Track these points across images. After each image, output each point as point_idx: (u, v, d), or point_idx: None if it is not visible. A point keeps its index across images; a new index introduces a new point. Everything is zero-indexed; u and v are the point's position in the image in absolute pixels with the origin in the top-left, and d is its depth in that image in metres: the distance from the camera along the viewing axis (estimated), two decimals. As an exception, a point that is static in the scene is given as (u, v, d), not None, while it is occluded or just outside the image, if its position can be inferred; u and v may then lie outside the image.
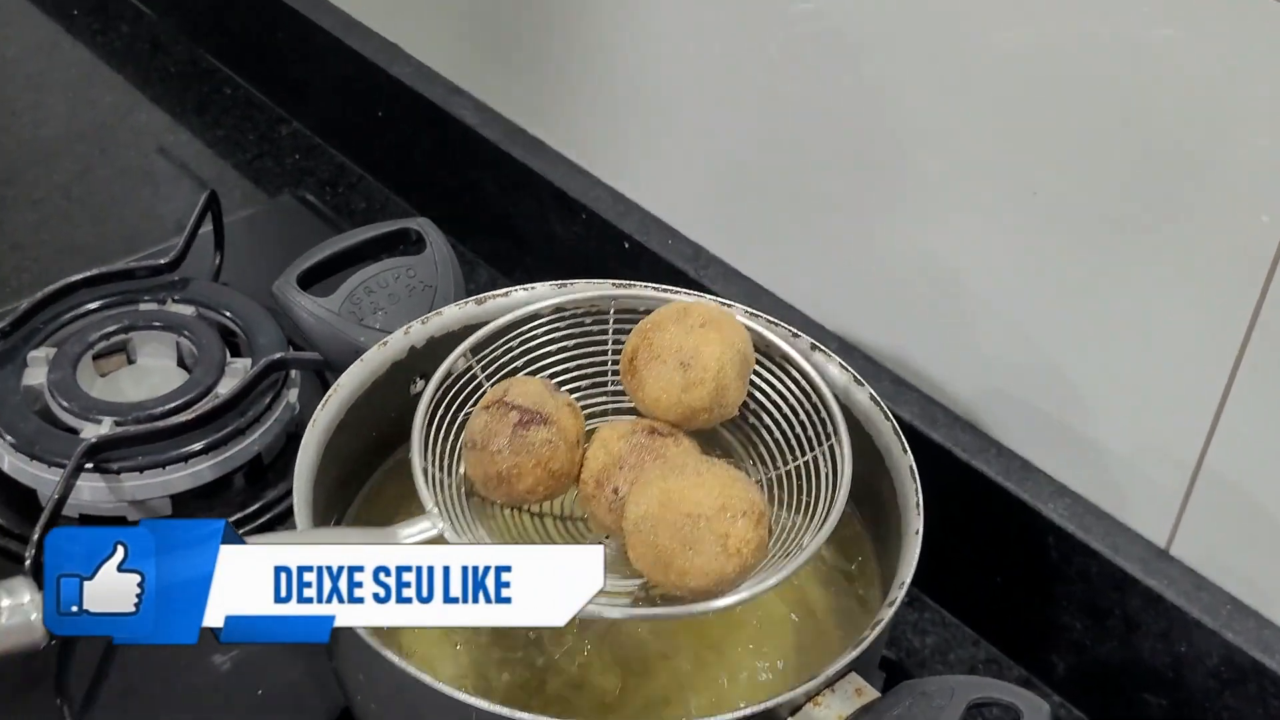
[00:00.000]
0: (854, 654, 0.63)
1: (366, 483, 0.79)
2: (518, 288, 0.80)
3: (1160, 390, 0.76)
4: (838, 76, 0.83)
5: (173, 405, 0.90)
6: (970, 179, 0.79)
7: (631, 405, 0.74)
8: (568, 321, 0.78)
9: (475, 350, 0.75)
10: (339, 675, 0.70)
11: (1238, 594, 0.76)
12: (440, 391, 0.72)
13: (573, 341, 0.77)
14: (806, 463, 0.73)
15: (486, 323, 0.79)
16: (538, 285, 0.80)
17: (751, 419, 0.76)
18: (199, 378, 0.92)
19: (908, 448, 0.72)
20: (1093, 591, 0.80)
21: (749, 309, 0.79)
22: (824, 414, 0.73)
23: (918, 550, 0.67)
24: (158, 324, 0.96)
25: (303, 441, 0.71)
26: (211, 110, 1.29)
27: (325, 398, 0.73)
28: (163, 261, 1.00)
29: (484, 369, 0.75)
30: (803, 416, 0.74)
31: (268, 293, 0.87)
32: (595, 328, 0.78)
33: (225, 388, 0.92)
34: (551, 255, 1.05)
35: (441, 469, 0.71)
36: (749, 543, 0.64)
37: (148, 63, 1.34)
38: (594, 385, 0.78)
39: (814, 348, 0.77)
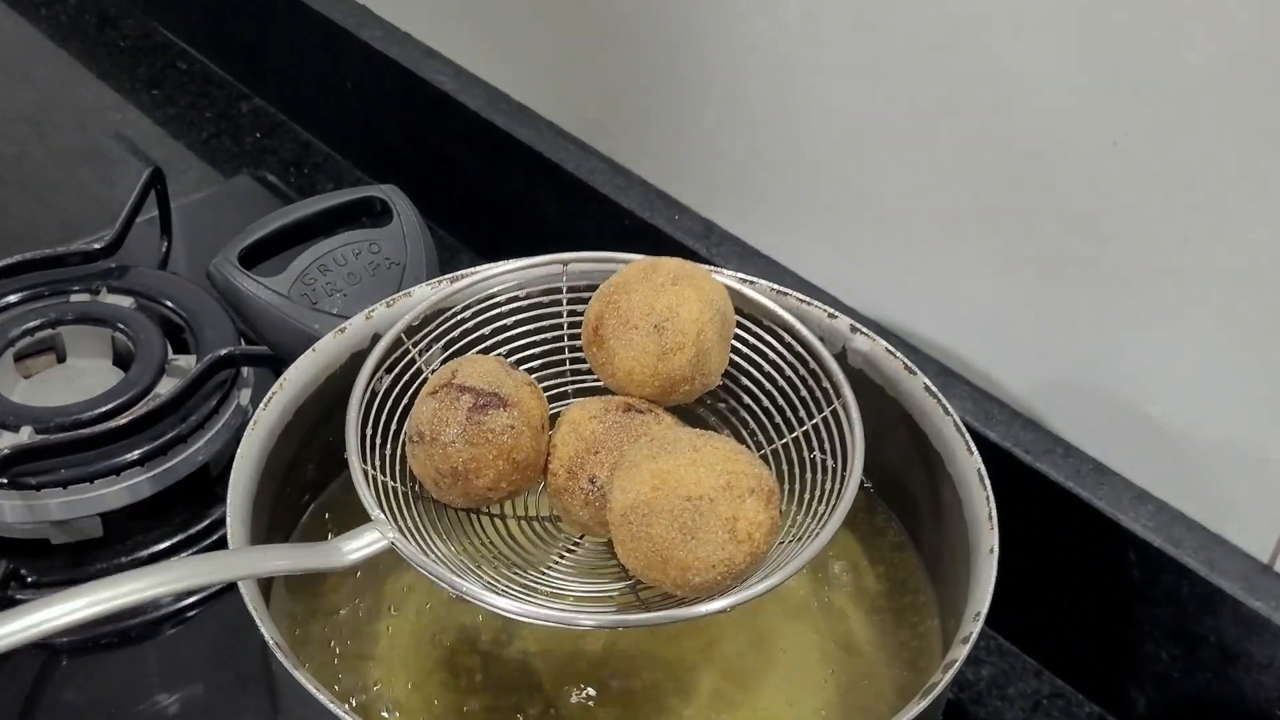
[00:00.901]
0: (922, 705, 0.51)
1: (318, 498, 0.66)
2: (501, 264, 0.68)
3: (1258, 374, 0.64)
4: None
5: (103, 410, 0.78)
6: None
7: (597, 383, 0.63)
8: (515, 293, 0.67)
9: (411, 333, 0.64)
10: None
11: (1360, 617, 0.65)
12: (376, 379, 0.61)
13: (522, 315, 0.67)
14: (805, 433, 0.62)
15: (465, 305, 0.68)
16: (525, 261, 0.68)
17: (735, 390, 0.65)
18: (135, 377, 0.81)
19: (974, 448, 0.60)
20: (1183, 615, 0.69)
21: (776, 286, 0.68)
22: (821, 376, 0.62)
23: (994, 573, 0.56)
24: (90, 317, 0.85)
25: (239, 450, 0.59)
26: (164, 87, 1.18)
27: (268, 395, 0.61)
28: (96, 246, 0.88)
29: (422, 353, 0.64)
30: (795, 382, 0.63)
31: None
32: (546, 298, 0.67)
33: (166, 389, 0.80)
34: (541, 236, 0.93)
35: (386, 471, 0.59)
36: (760, 526, 0.54)
37: (95, 37, 1.24)
38: (549, 365, 0.67)
39: (854, 329, 0.66)
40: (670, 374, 0.60)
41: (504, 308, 0.66)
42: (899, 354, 0.65)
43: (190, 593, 0.50)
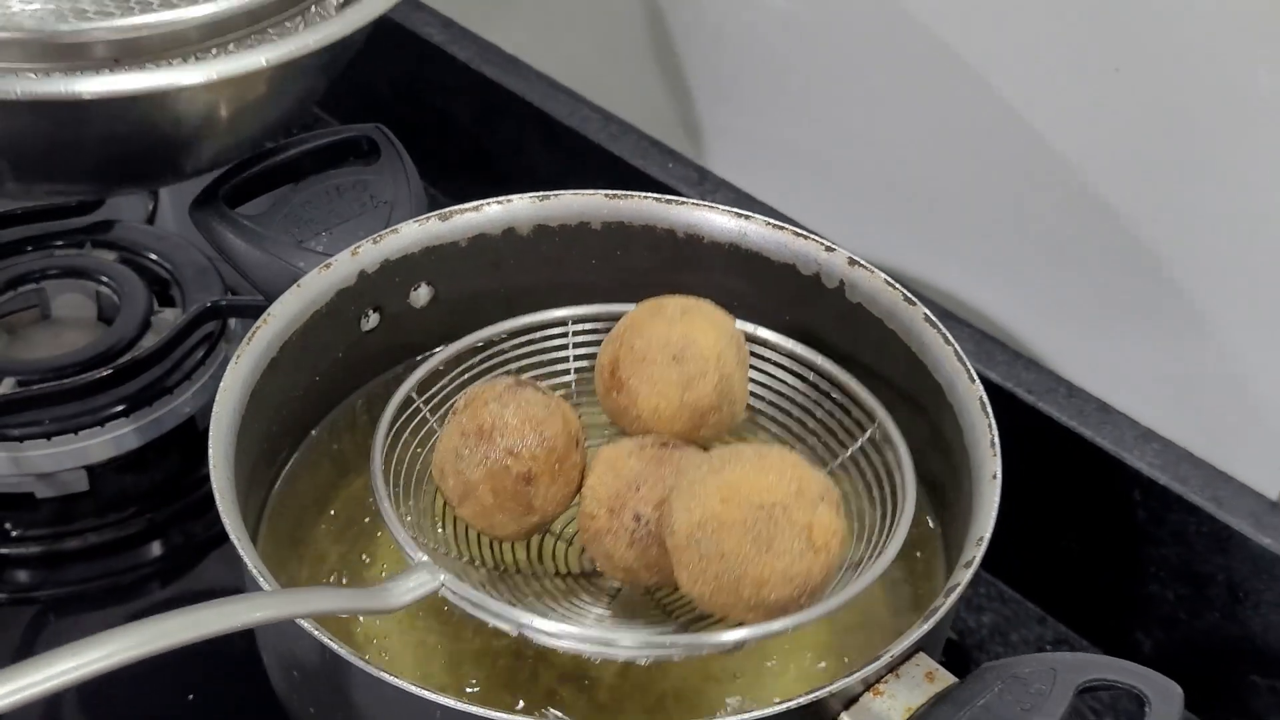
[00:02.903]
0: (925, 628, 0.50)
1: (304, 440, 0.65)
2: (490, 201, 0.67)
3: (1269, 301, 0.63)
4: None
5: (86, 359, 0.76)
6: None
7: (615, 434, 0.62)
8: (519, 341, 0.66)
9: (421, 389, 0.63)
10: (270, 675, 0.57)
11: (1370, 552, 0.64)
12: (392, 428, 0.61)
13: (529, 360, 0.66)
14: (844, 463, 0.62)
15: (454, 243, 0.66)
16: (515, 197, 0.67)
17: (763, 423, 0.65)
18: (119, 330, 0.79)
19: (975, 377, 0.59)
20: (1190, 554, 0.68)
21: (771, 220, 0.66)
22: (850, 406, 0.62)
23: (997, 498, 0.54)
24: (74, 270, 0.83)
25: (222, 384, 0.58)
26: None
27: (252, 330, 0.60)
28: (80, 201, 0.86)
29: (431, 410, 0.63)
30: (822, 412, 0.63)
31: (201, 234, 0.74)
32: (553, 341, 0.66)
33: (151, 341, 0.78)
34: (534, 188, 0.92)
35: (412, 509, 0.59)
36: (835, 533, 0.52)
37: None
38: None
39: (852, 262, 0.64)
40: (697, 404, 0.59)
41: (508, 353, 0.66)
42: (898, 285, 0.63)
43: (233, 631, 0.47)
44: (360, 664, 0.48)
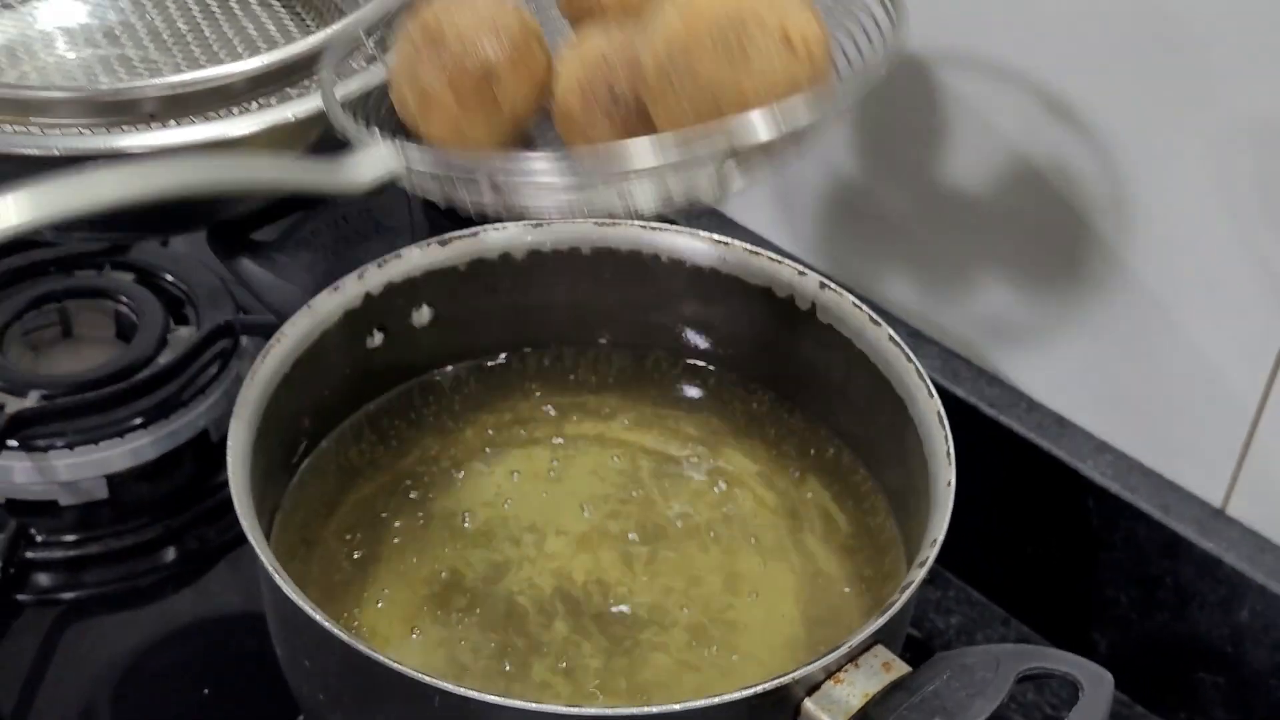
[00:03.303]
0: (881, 621, 0.54)
1: (314, 450, 0.69)
2: (488, 227, 0.71)
3: (1212, 327, 0.68)
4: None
5: (106, 374, 0.81)
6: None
7: None
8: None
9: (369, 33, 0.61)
10: (283, 663, 0.61)
11: (1307, 556, 0.68)
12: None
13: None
14: None
15: (453, 268, 0.71)
16: (510, 224, 0.72)
17: None
18: (137, 347, 0.84)
19: (933, 392, 0.63)
20: (1141, 558, 0.72)
21: (749, 246, 0.71)
22: None
23: (950, 504, 0.59)
24: (94, 291, 0.88)
25: (239, 398, 0.62)
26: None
27: (265, 348, 0.64)
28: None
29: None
30: None
31: (216, 258, 0.79)
32: None
33: (167, 358, 0.83)
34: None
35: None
36: (815, 37, 0.48)
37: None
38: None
39: (823, 285, 0.69)
40: None
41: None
42: (864, 307, 0.68)
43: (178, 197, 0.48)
44: (368, 651, 0.52)
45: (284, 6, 0.81)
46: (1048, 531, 0.76)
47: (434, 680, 0.51)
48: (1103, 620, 0.75)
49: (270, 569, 0.54)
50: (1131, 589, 0.73)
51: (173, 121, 0.63)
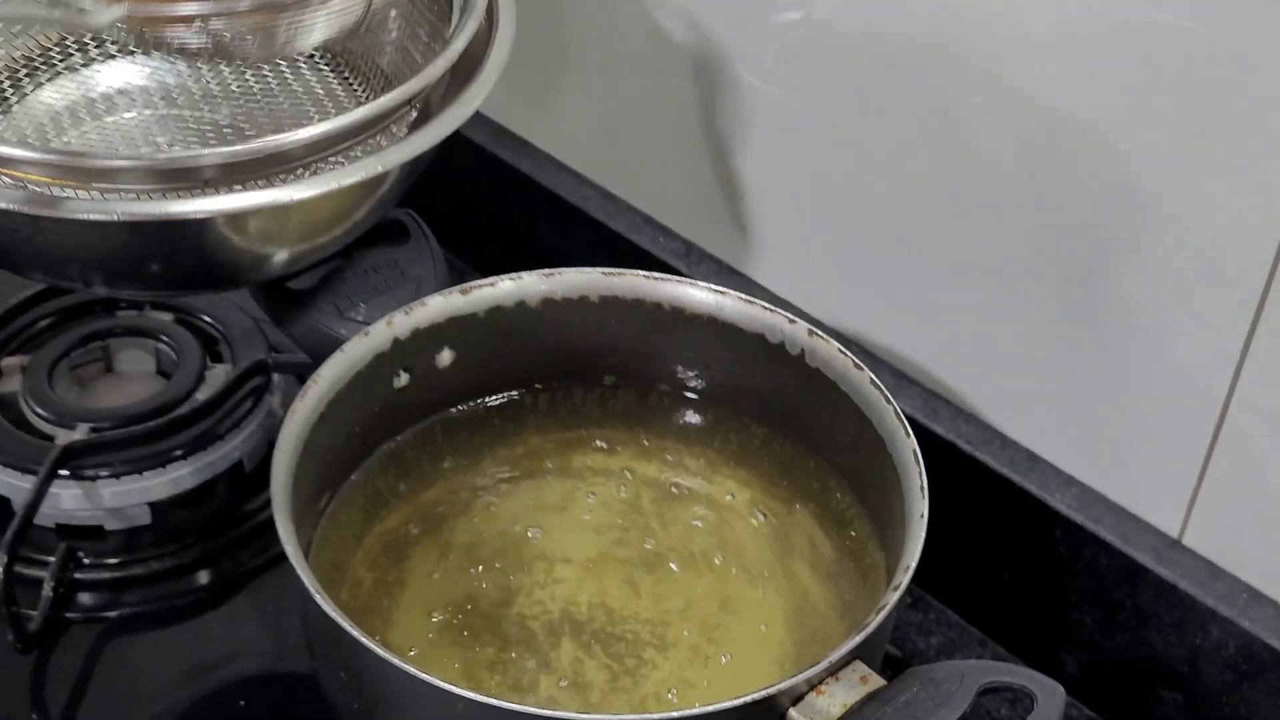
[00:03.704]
0: (858, 639, 0.60)
1: (344, 482, 0.75)
2: (504, 277, 0.78)
3: (1168, 374, 0.73)
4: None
5: (149, 409, 0.87)
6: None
7: None
8: None
9: None
10: (318, 675, 0.68)
11: (1254, 582, 0.73)
12: None
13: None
14: None
15: (473, 314, 0.77)
16: (525, 274, 0.78)
17: None
18: (178, 384, 0.89)
19: (910, 432, 0.69)
20: (1103, 584, 0.77)
21: (745, 296, 0.77)
22: None
23: (923, 534, 0.65)
24: (135, 330, 0.93)
25: (280, 434, 0.68)
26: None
27: (304, 389, 0.70)
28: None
29: None
30: None
31: (250, 299, 0.85)
32: None
33: (205, 393, 0.89)
34: (540, 256, 1.02)
35: None
36: None
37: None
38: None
39: (811, 333, 0.75)
40: None
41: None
42: (849, 353, 0.74)
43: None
44: (400, 663, 0.58)
45: (330, 70, 0.86)
46: (1019, 559, 0.81)
47: (459, 689, 0.57)
48: (1070, 641, 0.80)
49: (312, 590, 0.61)
50: (1095, 612, 0.78)
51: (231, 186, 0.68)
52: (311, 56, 0.87)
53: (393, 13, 0.82)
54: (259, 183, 0.68)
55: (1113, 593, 0.77)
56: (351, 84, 0.87)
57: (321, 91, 0.86)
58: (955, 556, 0.82)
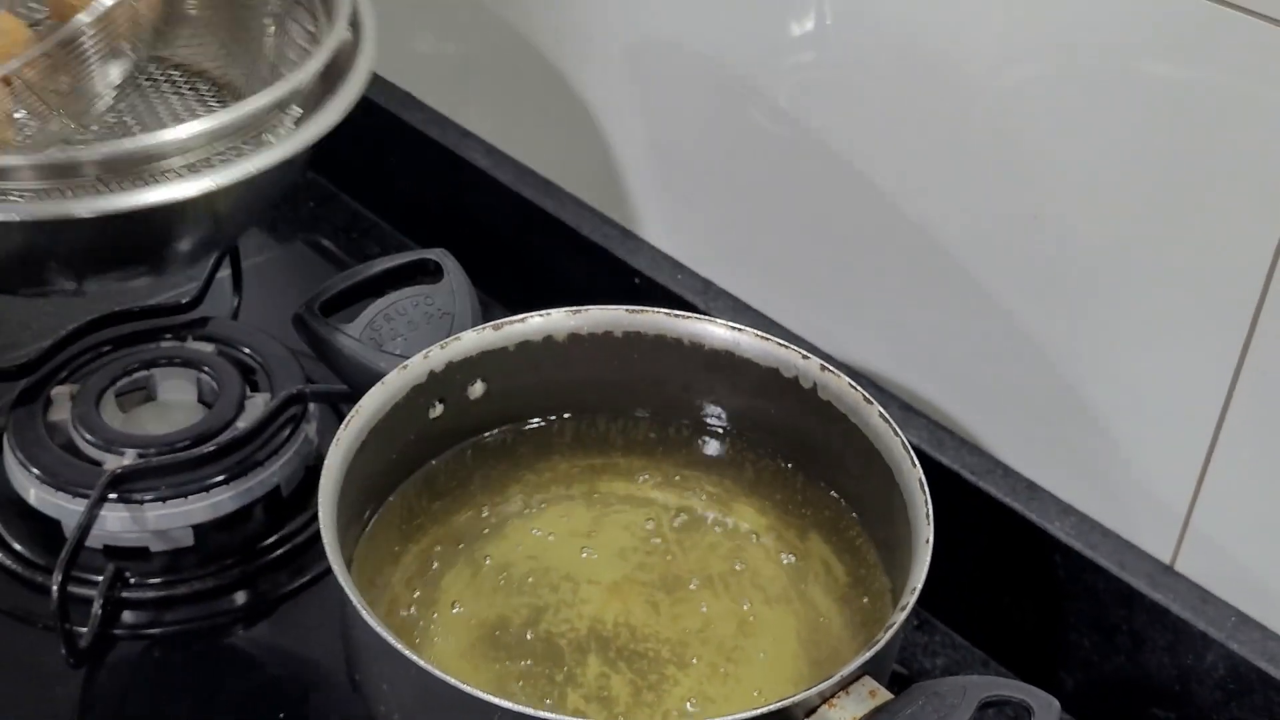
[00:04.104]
0: (868, 655, 0.64)
1: (382, 505, 0.80)
2: (534, 314, 0.82)
3: (1160, 407, 0.77)
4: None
5: (193, 436, 0.91)
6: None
7: None
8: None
9: None
10: (360, 687, 0.72)
11: (1243, 607, 0.77)
12: None
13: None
14: None
15: (504, 348, 0.81)
16: (553, 311, 0.82)
17: None
18: (219, 412, 0.93)
19: (916, 462, 0.73)
20: (1100, 608, 0.81)
21: (760, 333, 0.81)
22: None
23: (928, 558, 0.69)
24: (178, 360, 0.98)
25: (326, 462, 0.72)
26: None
27: (348, 419, 0.74)
28: (183, 300, 1.02)
29: None
30: None
31: (285, 331, 0.89)
32: None
33: (245, 422, 0.93)
34: (564, 291, 1.06)
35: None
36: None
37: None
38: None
39: (823, 368, 0.79)
40: None
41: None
42: (859, 387, 0.78)
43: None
44: (440, 674, 0.62)
45: (216, 100, 0.94)
46: (1020, 584, 0.85)
47: (496, 699, 0.62)
48: (1068, 662, 0.84)
49: (358, 605, 0.65)
50: (1093, 634, 0.82)
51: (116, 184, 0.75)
52: (197, 89, 0.94)
53: (269, 41, 0.89)
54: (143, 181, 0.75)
55: (1109, 616, 0.81)
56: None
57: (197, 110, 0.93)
58: (959, 581, 0.86)
